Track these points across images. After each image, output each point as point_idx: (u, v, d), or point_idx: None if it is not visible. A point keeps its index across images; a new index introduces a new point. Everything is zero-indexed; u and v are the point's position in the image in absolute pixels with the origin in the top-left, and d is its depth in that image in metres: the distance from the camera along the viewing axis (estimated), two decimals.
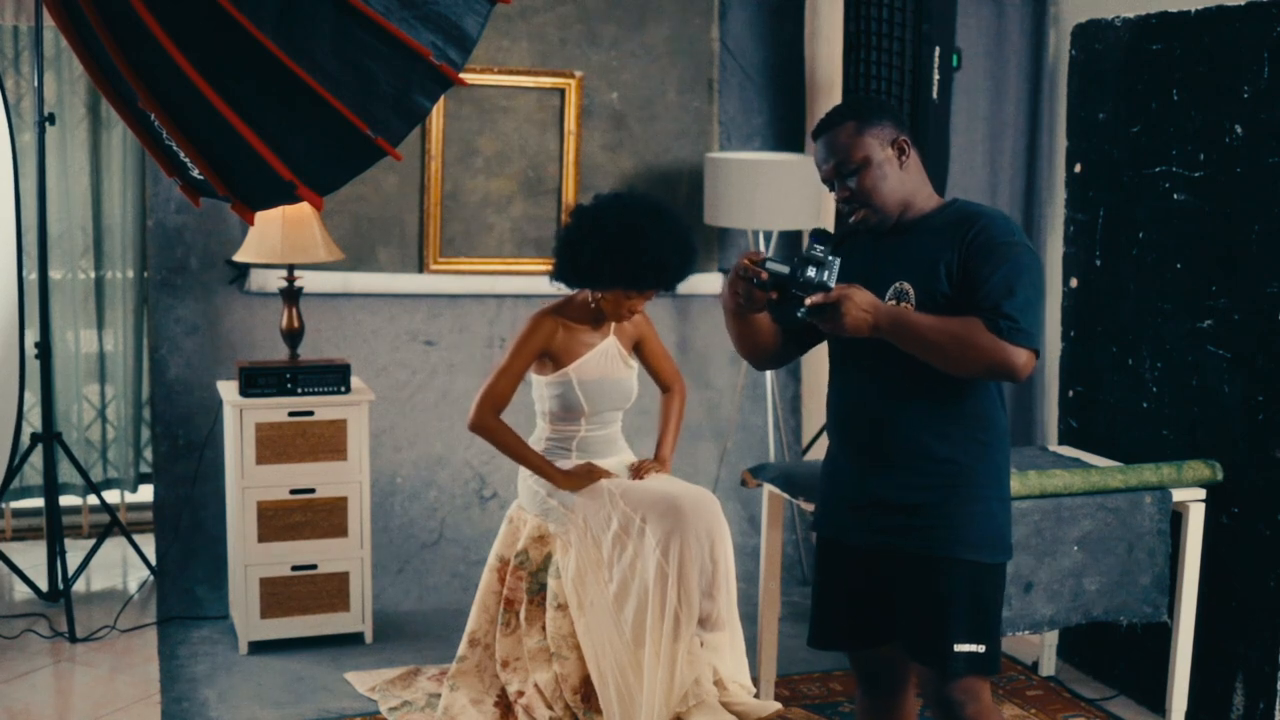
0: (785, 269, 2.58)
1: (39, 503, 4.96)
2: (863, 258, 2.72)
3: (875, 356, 2.65)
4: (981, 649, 2.69)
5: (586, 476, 3.62)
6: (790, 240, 5.29)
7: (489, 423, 3.64)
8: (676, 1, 5.06)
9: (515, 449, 3.66)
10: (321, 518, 4.29)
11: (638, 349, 3.83)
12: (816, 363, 5.49)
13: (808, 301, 2.56)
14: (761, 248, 5.03)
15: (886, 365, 2.65)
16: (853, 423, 2.77)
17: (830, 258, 2.57)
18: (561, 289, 3.73)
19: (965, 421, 2.68)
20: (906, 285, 2.65)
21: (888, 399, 2.69)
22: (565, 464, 3.72)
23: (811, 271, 2.56)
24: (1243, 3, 3.57)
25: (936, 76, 4.45)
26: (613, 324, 3.75)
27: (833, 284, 2.56)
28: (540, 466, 3.66)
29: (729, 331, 2.85)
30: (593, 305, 3.68)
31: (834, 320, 2.57)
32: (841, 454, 2.82)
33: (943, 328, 2.56)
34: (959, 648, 2.67)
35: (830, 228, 5.14)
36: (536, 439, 3.78)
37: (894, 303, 2.65)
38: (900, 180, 2.69)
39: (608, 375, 3.72)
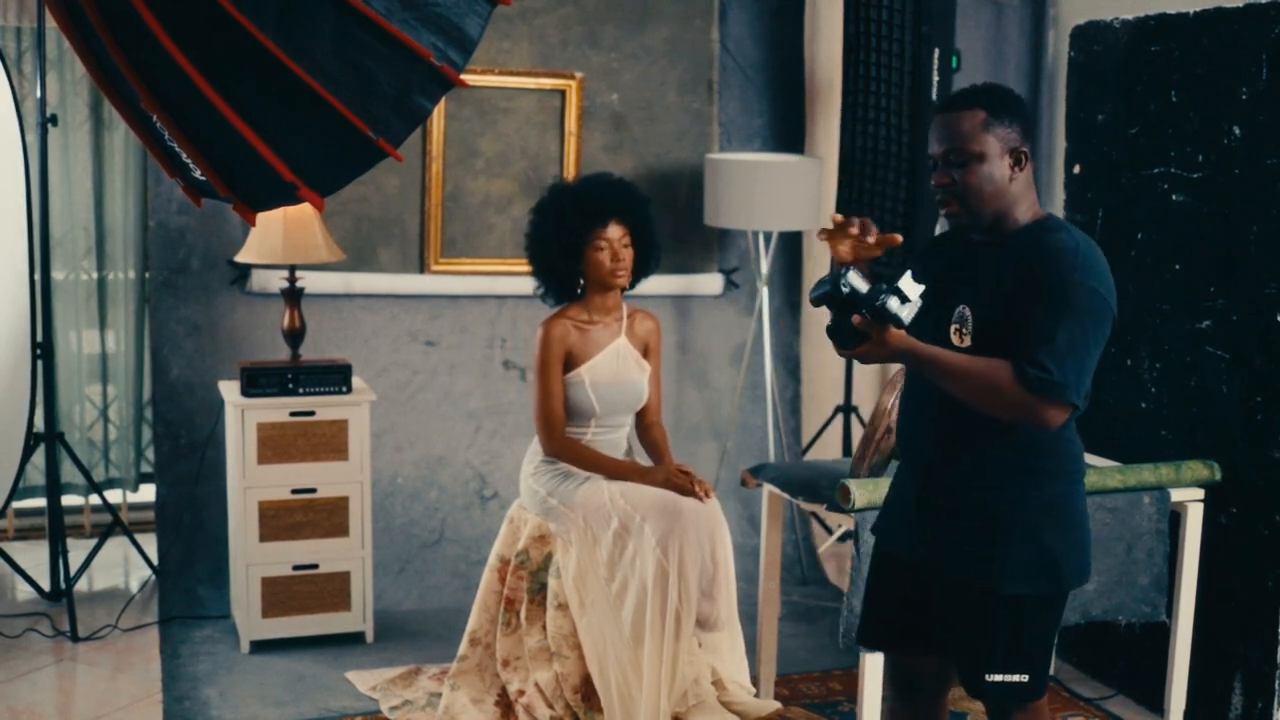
0: (865, 287, 2.40)
1: (41, 502, 4.97)
2: (938, 276, 2.58)
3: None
4: (1023, 679, 2.60)
5: (666, 481, 3.58)
6: (789, 241, 5.30)
7: (559, 446, 3.67)
8: (676, 3, 5.07)
9: (596, 461, 3.67)
10: (323, 517, 4.30)
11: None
12: (817, 363, 5.50)
13: (855, 319, 2.39)
14: (762, 249, 5.03)
15: (943, 391, 2.53)
16: (912, 436, 2.69)
17: (920, 299, 2.39)
18: (551, 300, 3.78)
19: (1020, 448, 2.55)
20: (967, 311, 2.54)
21: (945, 417, 2.58)
22: (567, 465, 3.72)
23: (894, 303, 2.37)
24: (1241, 4, 3.58)
25: (936, 78, 4.46)
26: (624, 323, 3.76)
27: (908, 323, 2.39)
28: (625, 471, 3.65)
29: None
30: (581, 291, 3.72)
31: (848, 344, 2.45)
32: (903, 464, 2.76)
33: (966, 372, 2.45)
34: (992, 678, 2.60)
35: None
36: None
37: (956, 327, 2.54)
38: (1004, 189, 2.53)
39: (620, 377, 3.72)
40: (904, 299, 2.38)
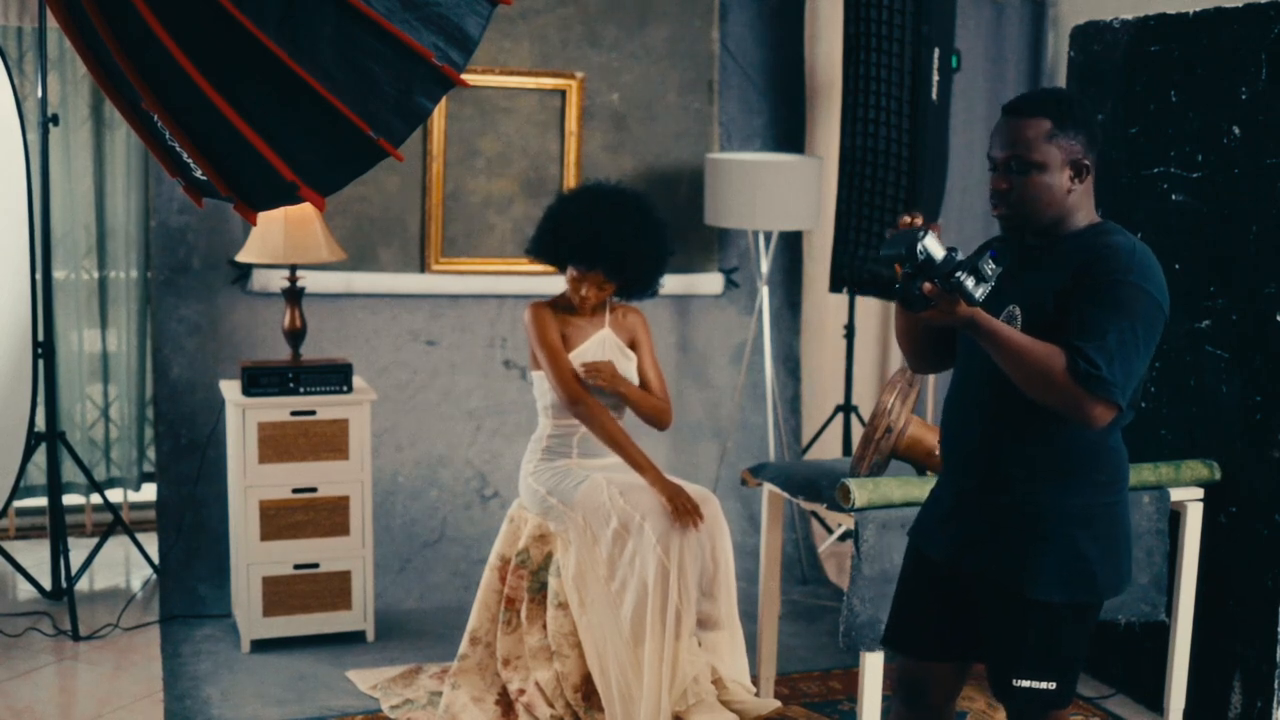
0: (940, 254, 2.38)
1: (42, 502, 4.98)
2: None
3: (990, 377, 2.52)
4: (1051, 686, 2.58)
5: (671, 498, 3.56)
6: (789, 240, 5.31)
7: (588, 409, 3.66)
8: (677, 3, 5.08)
9: (617, 438, 3.67)
10: (323, 517, 4.31)
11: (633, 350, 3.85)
12: (816, 363, 5.51)
13: (927, 287, 2.37)
14: (762, 249, 5.04)
15: (994, 386, 2.52)
16: (957, 435, 2.68)
17: (995, 279, 2.38)
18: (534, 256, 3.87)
19: (1064, 453, 2.54)
20: (1017, 310, 2.53)
21: (992, 417, 2.57)
22: (565, 463, 3.74)
23: (970, 282, 2.36)
24: (1240, 4, 3.59)
25: (936, 78, 4.46)
26: (607, 316, 3.79)
27: (980, 302, 2.40)
28: (640, 464, 3.64)
29: (897, 332, 2.73)
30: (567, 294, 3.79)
31: (914, 306, 2.43)
32: (945, 466, 2.74)
33: (1026, 351, 2.41)
34: (1020, 683, 2.58)
35: (832, 227, 5.15)
36: (538, 436, 3.80)
37: None
38: (1060, 199, 2.51)
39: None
40: (981, 279, 2.37)
